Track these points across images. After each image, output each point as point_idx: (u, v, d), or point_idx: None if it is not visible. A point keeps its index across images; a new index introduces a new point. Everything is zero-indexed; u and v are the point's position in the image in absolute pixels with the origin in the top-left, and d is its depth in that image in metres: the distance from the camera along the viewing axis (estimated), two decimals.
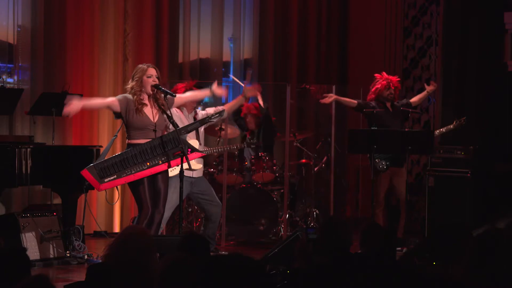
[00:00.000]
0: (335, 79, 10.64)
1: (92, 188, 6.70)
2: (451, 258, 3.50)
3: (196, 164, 7.12)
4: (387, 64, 10.52)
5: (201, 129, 7.49)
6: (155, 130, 6.28)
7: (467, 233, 3.70)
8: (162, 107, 6.30)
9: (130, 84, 6.34)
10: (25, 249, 3.46)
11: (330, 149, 9.39)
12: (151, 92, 6.30)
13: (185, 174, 6.33)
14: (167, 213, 6.97)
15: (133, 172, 6.12)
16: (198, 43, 10.07)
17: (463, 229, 3.71)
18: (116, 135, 6.85)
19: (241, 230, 8.72)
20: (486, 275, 2.99)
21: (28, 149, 7.21)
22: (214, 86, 6.71)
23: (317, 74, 10.96)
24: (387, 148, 7.88)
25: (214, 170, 8.79)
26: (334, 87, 9.10)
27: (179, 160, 6.12)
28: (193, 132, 7.26)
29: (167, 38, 9.67)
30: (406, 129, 8.40)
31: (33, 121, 8.38)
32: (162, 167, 6.20)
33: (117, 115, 6.31)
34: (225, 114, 7.05)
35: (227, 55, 10.37)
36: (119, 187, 6.76)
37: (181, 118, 7.31)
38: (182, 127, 6.37)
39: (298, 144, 9.40)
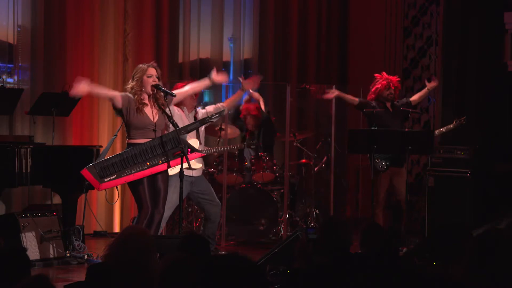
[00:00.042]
0: (335, 79, 10.64)
1: (92, 188, 6.70)
2: (451, 258, 3.50)
3: (196, 164, 7.11)
4: (387, 64, 10.52)
5: (202, 128, 7.47)
6: (155, 130, 6.28)
7: (467, 233, 3.70)
8: (162, 106, 6.30)
9: (130, 84, 6.34)
10: (25, 249, 3.45)
11: (330, 149, 9.39)
12: (151, 92, 6.30)
13: (185, 173, 6.33)
14: (167, 213, 6.96)
15: (133, 172, 6.11)
16: (198, 43, 10.07)
17: (463, 229, 3.72)
18: (116, 135, 6.85)
19: (241, 230, 8.72)
20: (486, 275, 2.99)
21: (28, 149, 7.21)
22: (214, 74, 6.68)
23: (317, 74, 10.96)
24: (387, 148, 7.88)
25: (214, 170, 8.78)
26: (334, 87, 9.09)
27: (179, 160, 6.12)
28: (194, 131, 7.24)
29: (167, 38, 9.67)
30: (406, 129, 8.40)
31: (33, 121, 8.39)
32: (162, 167, 6.20)
33: (118, 111, 6.30)
34: (225, 111, 7.05)
35: (227, 55, 10.37)
36: (119, 187, 6.76)
37: (182, 117, 7.30)
38: (182, 127, 6.37)
39: (298, 144, 9.40)
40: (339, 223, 4.42)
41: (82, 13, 8.97)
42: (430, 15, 10.35)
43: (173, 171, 6.64)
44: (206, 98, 9.95)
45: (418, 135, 8.04)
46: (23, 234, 7.06)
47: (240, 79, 7.32)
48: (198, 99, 7.75)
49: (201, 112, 7.45)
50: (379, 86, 8.25)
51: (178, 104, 7.23)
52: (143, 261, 3.40)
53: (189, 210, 8.82)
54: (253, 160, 8.81)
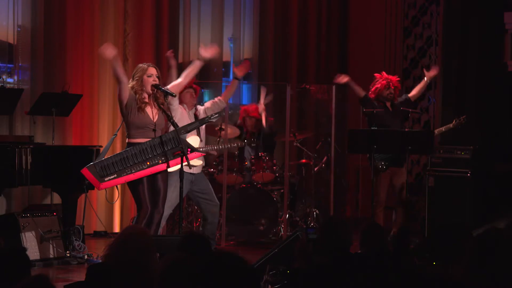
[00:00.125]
0: (335, 79, 10.62)
1: (92, 188, 6.69)
2: (451, 258, 3.50)
3: (197, 161, 7.10)
4: (387, 64, 10.52)
5: (202, 126, 7.48)
6: (154, 130, 6.29)
7: (467, 233, 3.70)
8: (162, 106, 6.31)
9: (130, 84, 6.34)
10: (25, 249, 3.45)
11: (330, 149, 9.38)
12: (151, 92, 6.31)
13: (184, 170, 6.32)
14: (167, 211, 6.96)
15: (133, 171, 6.11)
16: (198, 43, 10.05)
17: (463, 229, 3.72)
18: (116, 134, 6.84)
19: (241, 230, 8.72)
20: (486, 275, 2.99)
21: (28, 149, 7.22)
22: (201, 50, 6.69)
23: (317, 74, 10.96)
24: (387, 148, 7.88)
25: (214, 170, 8.78)
26: (334, 87, 9.10)
27: (178, 160, 6.12)
28: None
29: (167, 38, 9.67)
30: (406, 129, 8.40)
31: (33, 121, 8.38)
32: (162, 166, 6.20)
33: (120, 101, 6.27)
34: (223, 105, 7.07)
35: (227, 55, 10.37)
36: (119, 186, 6.76)
37: (183, 115, 7.29)
38: (181, 127, 6.37)
39: (298, 144, 9.39)
40: (339, 223, 4.42)
41: (82, 13, 8.97)
42: (430, 15, 10.35)
43: (173, 168, 6.63)
44: (206, 98, 9.94)
45: (418, 135, 8.04)
46: (23, 234, 7.06)
47: (234, 69, 7.37)
48: (198, 99, 7.75)
49: (201, 109, 7.46)
50: (379, 86, 8.25)
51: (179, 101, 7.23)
52: (143, 261, 3.40)
53: (189, 210, 8.82)
54: (253, 160, 8.81)
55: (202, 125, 6.99)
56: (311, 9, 10.97)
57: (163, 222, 6.91)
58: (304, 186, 9.62)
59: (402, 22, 10.59)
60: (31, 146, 7.32)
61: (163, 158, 6.16)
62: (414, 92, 8.48)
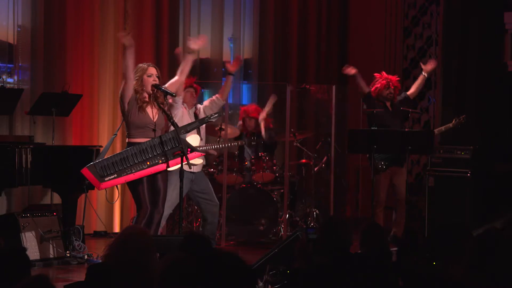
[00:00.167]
0: (335, 79, 10.62)
1: (92, 188, 6.69)
2: (451, 258, 3.50)
3: (197, 159, 7.09)
4: (387, 64, 10.52)
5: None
6: (154, 130, 6.30)
7: (467, 233, 3.70)
8: (162, 106, 6.31)
9: None
10: (25, 249, 3.45)
11: (330, 149, 9.38)
12: (151, 91, 6.31)
13: (184, 169, 6.32)
14: (167, 211, 6.96)
15: (133, 171, 6.12)
16: None
17: (463, 229, 3.71)
18: (116, 134, 6.85)
19: (241, 230, 8.72)
20: (486, 275, 2.99)
21: (28, 149, 7.21)
22: (190, 43, 6.70)
23: (317, 74, 10.95)
24: (387, 148, 7.88)
25: (214, 170, 8.78)
26: (334, 87, 9.10)
27: (178, 159, 6.13)
28: None
29: (167, 38, 9.67)
30: (406, 129, 8.40)
31: (33, 121, 8.38)
32: (162, 166, 6.20)
33: (123, 99, 6.27)
34: (221, 103, 7.07)
35: (227, 55, 10.36)
36: (119, 186, 6.76)
37: (184, 113, 7.29)
38: (181, 127, 6.37)
39: (298, 144, 9.39)
40: (339, 223, 4.42)
41: (82, 13, 8.97)
42: (430, 15, 10.35)
43: (173, 167, 6.63)
44: (206, 98, 9.93)
45: (418, 135, 8.04)
46: (23, 234, 7.06)
47: (227, 65, 7.44)
48: (198, 99, 7.76)
49: (201, 107, 7.48)
50: (378, 85, 8.25)
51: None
52: (143, 261, 3.40)
53: (189, 210, 8.82)
54: (253, 160, 8.81)
55: (201, 124, 6.99)
56: (311, 9, 10.97)
57: (163, 222, 6.92)
58: (304, 186, 9.62)
59: (402, 22, 10.59)
60: (31, 146, 7.32)
61: (163, 158, 6.17)
62: (412, 90, 8.47)
